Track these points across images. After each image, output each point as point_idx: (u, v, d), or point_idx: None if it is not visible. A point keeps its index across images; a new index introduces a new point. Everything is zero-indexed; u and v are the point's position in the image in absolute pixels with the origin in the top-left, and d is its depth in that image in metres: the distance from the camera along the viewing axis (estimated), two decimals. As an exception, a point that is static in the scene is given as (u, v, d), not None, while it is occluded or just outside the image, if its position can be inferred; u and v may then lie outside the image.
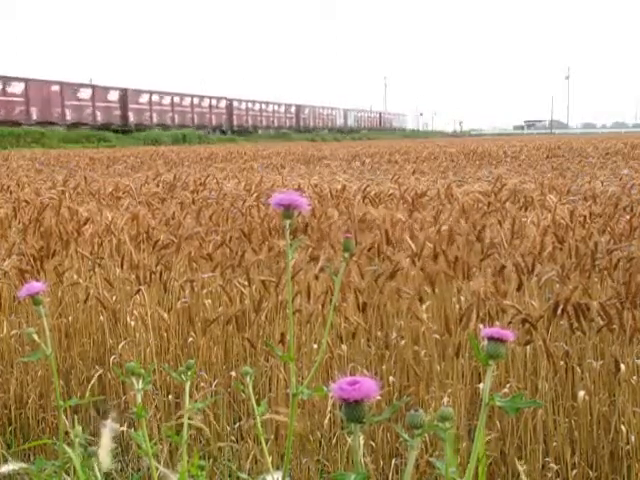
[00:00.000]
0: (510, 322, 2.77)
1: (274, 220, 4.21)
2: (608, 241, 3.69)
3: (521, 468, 2.27)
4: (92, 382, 3.18)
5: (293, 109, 70.79)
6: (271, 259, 3.70)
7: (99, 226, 4.32)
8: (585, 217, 4.28)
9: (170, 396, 3.15)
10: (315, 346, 3.04)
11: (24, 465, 1.25)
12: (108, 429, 1.10)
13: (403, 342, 3.05)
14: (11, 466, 1.25)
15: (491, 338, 0.99)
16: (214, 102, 58.35)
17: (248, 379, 1.39)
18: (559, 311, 2.74)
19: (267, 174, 9.99)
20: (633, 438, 2.57)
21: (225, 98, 59.32)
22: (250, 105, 63.10)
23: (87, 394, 3.15)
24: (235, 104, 60.79)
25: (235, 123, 59.85)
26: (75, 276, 3.82)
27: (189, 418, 1.37)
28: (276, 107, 68.06)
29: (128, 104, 46.78)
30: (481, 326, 2.78)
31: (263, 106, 65.37)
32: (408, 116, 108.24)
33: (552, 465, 2.63)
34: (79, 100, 43.09)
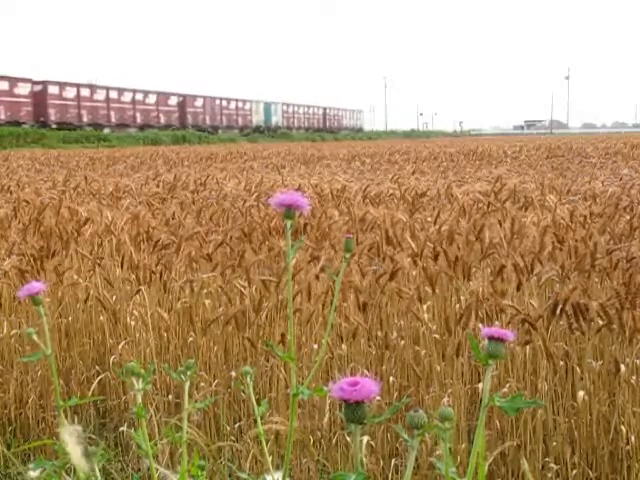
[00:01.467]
0: (509, 322, 2.78)
1: (274, 220, 4.21)
2: (608, 241, 3.69)
3: (526, 466, 2.27)
4: (94, 384, 3.19)
5: (174, 101, 49.66)
6: (271, 259, 3.70)
7: (99, 226, 4.33)
8: (585, 217, 4.28)
9: (170, 396, 3.15)
10: (315, 346, 3.04)
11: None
12: (68, 434, 1.09)
13: (403, 342, 3.05)
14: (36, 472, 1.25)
15: (491, 338, 1.00)
16: (4, 85, 37.07)
17: (248, 379, 1.39)
18: (558, 311, 2.74)
19: (267, 174, 9.99)
20: (633, 438, 2.57)
21: (31, 80, 39.81)
22: (86, 93, 41.86)
23: (89, 394, 3.15)
24: (52, 90, 39.64)
25: (53, 118, 39.59)
26: (75, 276, 3.82)
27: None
28: (140, 96, 45.99)
29: None
30: (481, 326, 2.78)
31: (113, 94, 43.69)
32: (365, 112, 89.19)
33: (552, 465, 2.63)
34: None
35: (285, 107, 65.60)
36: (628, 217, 4.31)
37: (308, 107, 71.25)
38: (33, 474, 1.24)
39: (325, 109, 74.87)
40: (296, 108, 68.03)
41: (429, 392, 2.87)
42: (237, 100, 58.62)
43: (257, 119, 59.96)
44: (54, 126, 38.88)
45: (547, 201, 5.06)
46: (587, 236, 3.60)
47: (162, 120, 48.37)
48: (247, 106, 59.85)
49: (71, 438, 1.08)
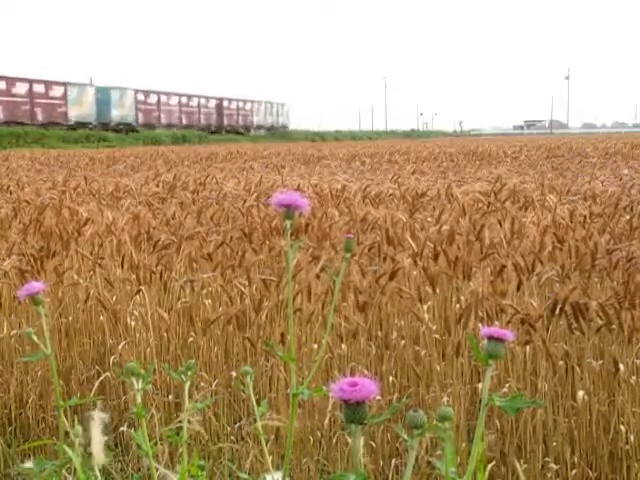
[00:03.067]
0: (509, 322, 2.78)
1: (274, 220, 4.21)
2: (608, 241, 3.69)
3: (520, 468, 2.28)
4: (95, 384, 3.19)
5: None
6: (272, 259, 3.70)
7: (99, 226, 4.33)
8: (585, 217, 4.28)
9: (170, 396, 3.15)
10: (315, 346, 3.04)
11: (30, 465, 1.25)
12: (97, 421, 1.09)
13: (403, 342, 3.05)
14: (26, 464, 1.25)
15: (490, 337, 1.00)
16: None
17: (248, 379, 1.39)
18: (558, 311, 2.74)
19: (267, 174, 9.99)
20: (632, 438, 2.57)
21: None
22: None
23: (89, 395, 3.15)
24: None
25: None
26: (75, 276, 3.82)
27: (188, 422, 1.37)
28: None
29: None
30: (480, 326, 2.79)
31: None
32: (289, 105, 66.28)
33: (552, 465, 2.63)
34: None
35: (142, 96, 45.40)
36: (628, 217, 4.31)
37: (188, 97, 50.40)
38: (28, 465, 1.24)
39: (221, 100, 54.58)
40: (164, 98, 47.53)
41: (429, 392, 2.88)
42: (33, 81, 38.20)
43: (79, 111, 40.70)
44: None
45: (547, 201, 5.06)
46: (587, 236, 3.60)
47: None
48: (57, 92, 39.38)
49: (98, 426, 1.08)
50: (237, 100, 57.25)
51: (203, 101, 53.11)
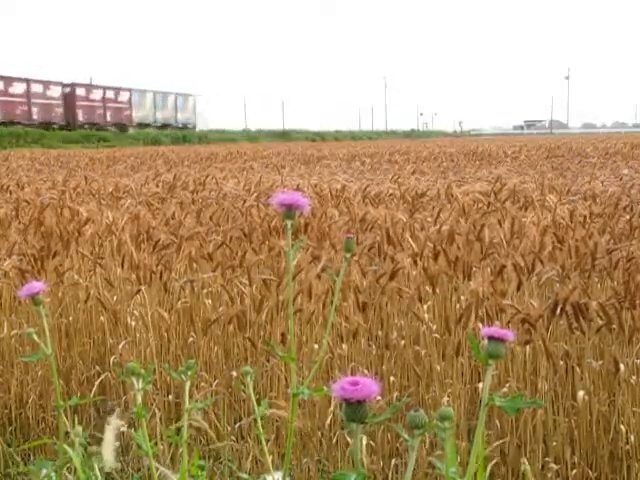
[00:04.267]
0: (509, 322, 2.78)
1: (274, 220, 4.21)
2: (608, 241, 3.69)
3: (528, 467, 2.27)
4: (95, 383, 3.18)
5: None
6: (272, 259, 3.70)
7: (99, 226, 4.33)
8: (585, 217, 4.28)
9: (170, 396, 3.15)
10: (316, 346, 3.04)
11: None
12: (112, 426, 1.09)
13: (403, 342, 3.05)
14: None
15: (491, 338, 1.00)
16: None
17: (248, 379, 1.39)
18: (558, 311, 2.74)
19: (267, 174, 9.99)
20: (633, 438, 2.57)
21: None
22: None
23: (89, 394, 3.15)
24: None
25: None
26: (75, 276, 3.82)
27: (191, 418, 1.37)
28: None
29: None
30: (480, 325, 2.79)
31: None
32: (196, 97, 51.74)
33: (552, 465, 2.63)
34: None
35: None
36: (628, 217, 4.31)
37: (6, 81, 35.39)
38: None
39: (73, 87, 39.33)
40: (31, 86, 34.78)
41: (429, 392, 2.88)
42: None
43: None
44: None
45: (547, 201, 5.06)
46: (587, 236, 3.60)
47: None
48: None
49: (112, 431, 1.08)
50: (103, 88, 41.85)
51: (37, 88, 37.26)
